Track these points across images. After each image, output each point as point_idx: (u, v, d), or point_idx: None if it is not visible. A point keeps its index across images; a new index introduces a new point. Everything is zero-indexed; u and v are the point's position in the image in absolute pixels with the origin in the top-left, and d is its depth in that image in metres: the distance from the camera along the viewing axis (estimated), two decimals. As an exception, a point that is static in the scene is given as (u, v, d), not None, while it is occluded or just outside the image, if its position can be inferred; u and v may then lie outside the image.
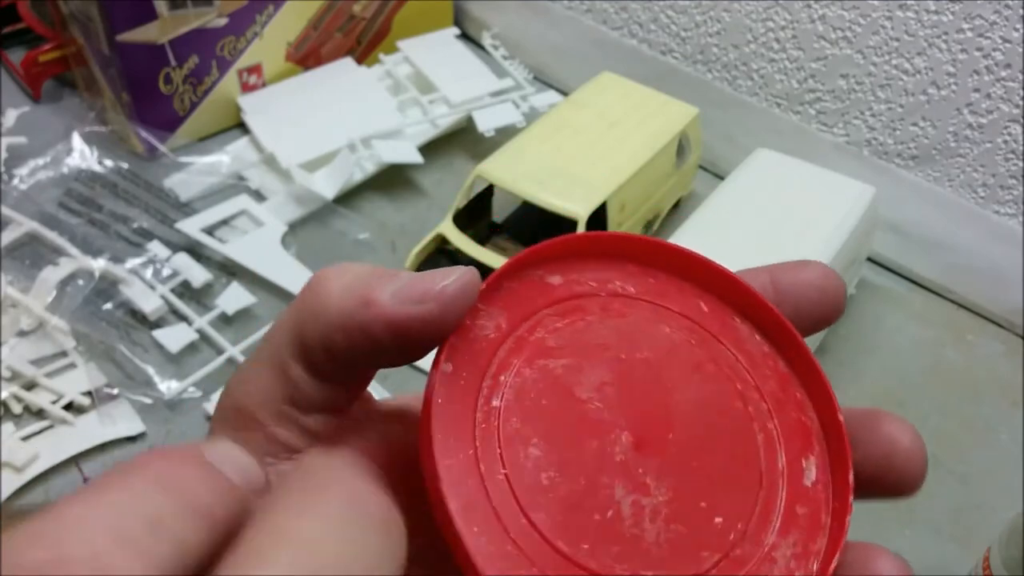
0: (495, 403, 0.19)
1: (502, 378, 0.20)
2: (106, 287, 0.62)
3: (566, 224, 0.60)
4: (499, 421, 0.19)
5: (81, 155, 0.72)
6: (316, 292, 0.19)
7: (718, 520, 0.19)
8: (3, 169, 0.70)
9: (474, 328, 0.20)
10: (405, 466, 0.20)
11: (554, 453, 0.19)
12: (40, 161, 0.71)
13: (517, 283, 0.21)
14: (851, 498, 0.20)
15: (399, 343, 0.18)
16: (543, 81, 0.87)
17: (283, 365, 0.19)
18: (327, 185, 0.71)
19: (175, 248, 0.66)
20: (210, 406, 0.56)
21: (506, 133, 0.71)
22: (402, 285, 0.18)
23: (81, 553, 0.13)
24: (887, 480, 0.20)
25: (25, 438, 0.54)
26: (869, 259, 0.71)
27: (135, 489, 0.14)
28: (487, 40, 0.86)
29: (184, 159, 0.74)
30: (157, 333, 0.60)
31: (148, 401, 0.57)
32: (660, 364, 0.21)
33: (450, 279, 0.18)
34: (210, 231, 0.68)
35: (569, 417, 0.19)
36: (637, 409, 0.20)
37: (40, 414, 0.55)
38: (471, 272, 0.19)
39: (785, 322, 0.21)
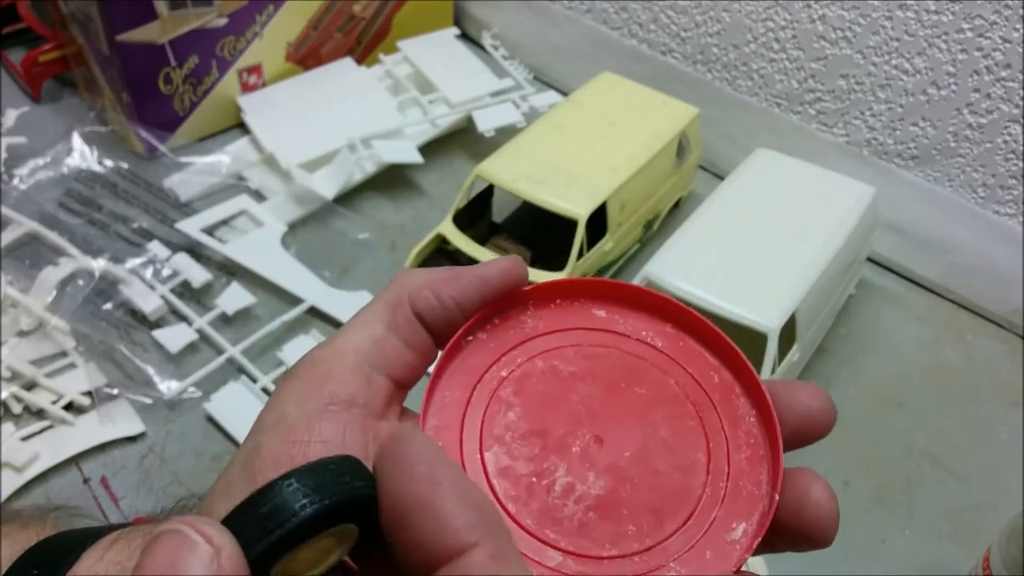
0: (503, 372, 0.24)
1: (519, 359, 0.25)
2: (106, 287, 0.62)
3: (566, 224, 0.60)
4: (498, 385, 0.24)
5: (81, 155, 0.72)
6: (404, 271, 0.25)
7: (631, 528, 0.21)
8: (3, 169, 0.70)
9: (517, 319, 0.25)
10: None
11: (526, 423, 0.23)
12: (40, 161, 0.71)
13: (568, 303, 0.26)
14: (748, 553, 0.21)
15: (482, 289, 0.24)
16: (543, 81, 0.87)
17: (371, 331, 0.24)
18: (327, 185, 0.71)
19: (175, 248, 0.66)
20: (210, 406, 0.56)
21: (506, 133, 0.71)
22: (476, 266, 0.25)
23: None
24: (797, 528, 0.22)
25: (25, 438, 0.54)
26: (869, 259, 0.71)
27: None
28: (487, 40, 0.86)
29: (184, 159, 0.74)
30: (157, 333, 0.60)
31: (148, 401, 0.57)
32: (651, 403, 0.24)
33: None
34: (210, 231, 0.68)
35: (553, 405, 0.24)
36: (612, 424, 0.23)
37: (40, 414, 0.55)
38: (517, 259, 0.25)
39: (775, 425, 0.23)
